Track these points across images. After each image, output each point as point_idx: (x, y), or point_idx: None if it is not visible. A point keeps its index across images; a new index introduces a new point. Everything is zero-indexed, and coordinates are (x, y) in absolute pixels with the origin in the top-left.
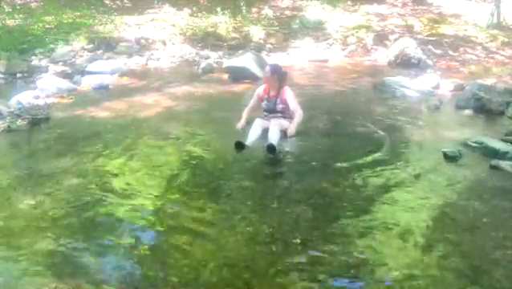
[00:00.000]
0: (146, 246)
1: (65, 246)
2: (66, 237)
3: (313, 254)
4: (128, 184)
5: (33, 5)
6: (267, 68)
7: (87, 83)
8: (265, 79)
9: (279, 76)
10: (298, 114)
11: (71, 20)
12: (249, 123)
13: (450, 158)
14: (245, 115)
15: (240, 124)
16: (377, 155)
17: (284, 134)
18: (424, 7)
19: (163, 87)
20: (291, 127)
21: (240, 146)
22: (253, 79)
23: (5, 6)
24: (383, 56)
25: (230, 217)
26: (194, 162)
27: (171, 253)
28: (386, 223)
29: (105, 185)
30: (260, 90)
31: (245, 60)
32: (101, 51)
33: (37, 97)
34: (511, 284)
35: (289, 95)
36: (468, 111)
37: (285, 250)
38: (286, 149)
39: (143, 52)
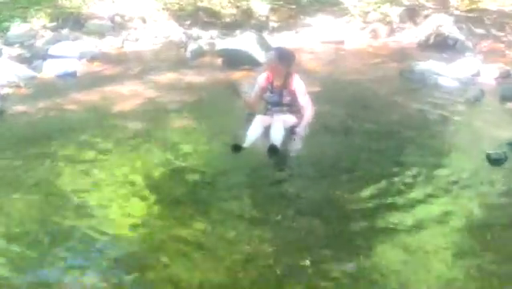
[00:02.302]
0: (122, 272)
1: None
2: (29, 262)
3: (325, 278)
4: (100, 195)
5: None
6: (272, 53)
7: (49, 70)
8: (269, 67)
9: (287, 63)
10: (308, 113)
11: None
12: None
13: (494, 161)
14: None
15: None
16: (404, 158)
17: (290, 132)
18: None
19: (143, 75)
20: (299, 129)
21: (237, 149)
22: (253, 64)
23: None
24: (411, 36)
25: (225, 233)
26: (181, 167)
27: (152, 280)
28: (413, 240)
29: (71, 196)
30: (261, 79)
31: (244, 42)
32: (67, 30)
33: None
34: None
35: (298, 87)
36: None
37: (291, 273)
38: (292, 151)
39: (118, 32)
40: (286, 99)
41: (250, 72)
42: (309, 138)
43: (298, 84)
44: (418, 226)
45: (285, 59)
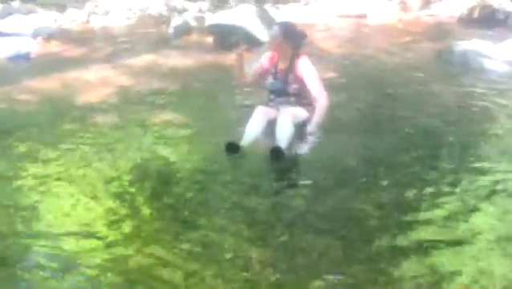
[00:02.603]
0: None
1: None
2: None
3: None
4: (58, 211)
5: None
6: (275, 29)
7: None
8: (272, 45)
9: (294, 41)
10: (322, 104)
11: None
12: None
13: None
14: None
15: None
16: (442, 162)
17: (300, 130)
18: None
19: (114, 57)
20: (311, 127)
21: (233, 148)
22: (252, 44)
23: None
24: (451, 9)
25: (217, 255)
26: (163, 173)
27: None
28: (456, 268)
29: (23, 213)
30: (265, 59)
31: (241, 16)
32: (18, 2)
33: None
34: None
35: (307, 72)
36: None
37: None
38: (303, 153)
39: (82, 3)
40: (293, 87)
41: (248, 54)
42: (322, 137)
43: (305, 68)
44: (462, 249)
45: (291, 37)
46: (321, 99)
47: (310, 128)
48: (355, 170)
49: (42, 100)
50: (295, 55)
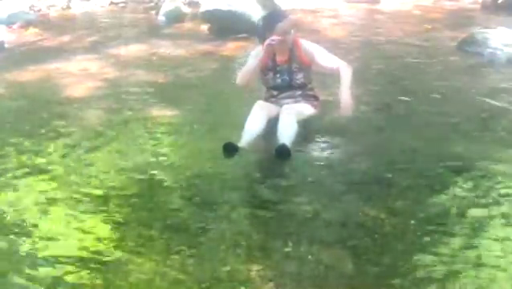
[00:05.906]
0: None
1: None
2: None
3: None
4: (47, 218)
5: None
6: (290, 19)
7: None
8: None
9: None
10: (345, 69)
11: None
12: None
13: None
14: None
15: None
16: (467, 164)
17: (304, 127)
18: None
19: (98, 47)
20: (344, 95)
21: (231, 149)
22: (252, 32)
23: None
24: None
25: (213, 268)
26: (153, 177)
27: None
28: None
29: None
30: (258, 54)
31: (239, 1)
32: None
33: None
34: None
35: (313, 49)
36: None
37: None
38: (310, 153)
39: None
40: (298, 77)
41: (248, 43)
42: (332, 136)
43: (309, 48)
44: (489, 269)
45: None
46: (340, 65)
47: (343, 95)
48: (367, 173)
49: (19, 95)
50: (293, 42)
